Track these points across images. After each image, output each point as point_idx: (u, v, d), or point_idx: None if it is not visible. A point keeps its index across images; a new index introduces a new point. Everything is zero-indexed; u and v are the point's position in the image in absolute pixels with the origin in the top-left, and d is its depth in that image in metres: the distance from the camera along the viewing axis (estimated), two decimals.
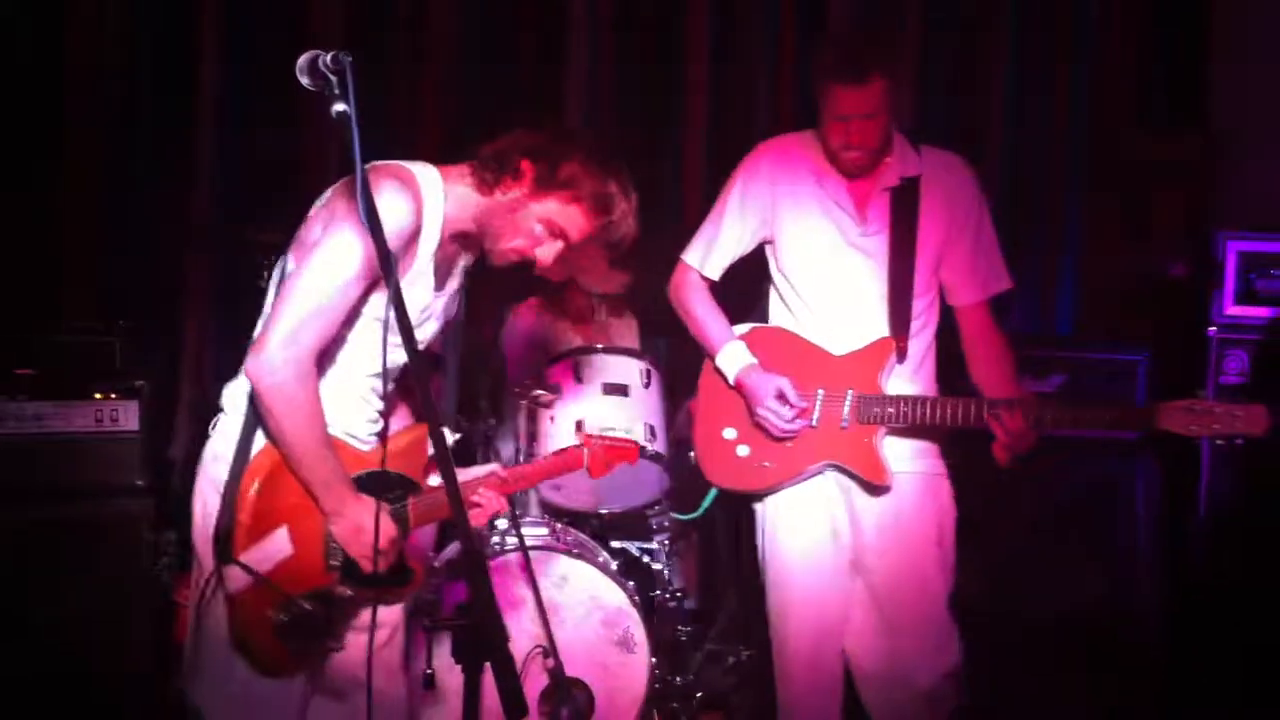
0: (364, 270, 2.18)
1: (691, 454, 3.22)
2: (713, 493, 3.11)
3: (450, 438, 2.47)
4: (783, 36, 4.99)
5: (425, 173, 2.28)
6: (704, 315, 3.09)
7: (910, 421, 2.87)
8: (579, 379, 3.72)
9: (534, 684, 3.30)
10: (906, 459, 2.95)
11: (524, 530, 3.40)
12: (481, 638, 1.92)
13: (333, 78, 1.85)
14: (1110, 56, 4.80)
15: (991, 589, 3.50)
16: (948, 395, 2.93)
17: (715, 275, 3.10)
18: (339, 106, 1.85)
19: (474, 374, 3.89)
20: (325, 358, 2.27)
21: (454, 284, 2.45)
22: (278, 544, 2.24)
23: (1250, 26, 4.55)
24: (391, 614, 2.48)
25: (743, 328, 3.09)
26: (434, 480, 2.49)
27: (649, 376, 3.78)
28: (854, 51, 2.78)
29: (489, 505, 2.49)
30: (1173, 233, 4.54)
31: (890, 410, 2.86)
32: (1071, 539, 3.81)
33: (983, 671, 3.07)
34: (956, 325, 3.03)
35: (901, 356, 2.92)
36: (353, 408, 2.34)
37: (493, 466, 2.60)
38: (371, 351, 2.29)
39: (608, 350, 3.86)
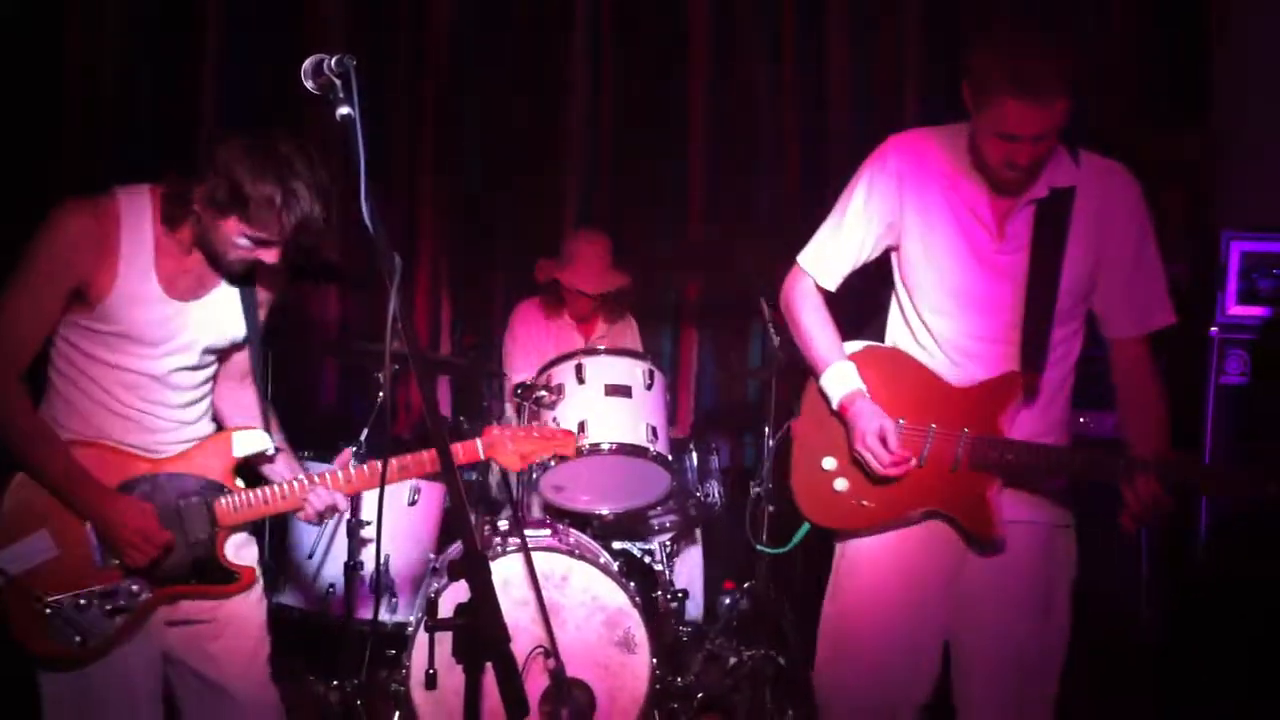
0: (42, 282, 2.31)
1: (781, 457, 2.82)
2: (805, 527, 2.72)
3: (268, 443, 2.56)
4: (783, 36, 4.99)
5: (133, 192, 2.39)
6: (813, 327, 2.68)
7: (1031, 470, 2.48)
8: (581, 380, 3.72)
9: (535, 684, 3.30)
10: (1024, 506, 2.55)
11: (526, 531, 3.41)
12: (483, 638, 1.93)
13: (337, 81, 1.86)
14: (1111, 55, 4.80)
15: None
16: (1079, 443, 2.59)
17: (832, 284, 2.69)
18: (343, 110, 1.86)
19: (476, 375, 3.90)
20: (71, 373, 2.39)
21: (218, 294, 2.47)
22: (38, 545, 2.35)
23: (1251, 25, 4.54)
24: (238, 616, 2.52)
25: (854, 346, 2.69)
26: (283, 480, 2.55)
27: (651, 378, 3.79)
28: (1040, 64, 2.36)
29: (317, 501, 2.53)
30: (1174, 232, 4.53)
31: (1009, 457, 2.46)
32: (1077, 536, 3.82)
33: None
34: (1110, 358, 2.63)
35: (1031, 395, 2.52)
36: (125, 420, 2.42)
37: (334, 465, 2.60)
38: (125, 363, 2.39)
39: (610, 352, 3.86)
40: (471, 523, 2.02)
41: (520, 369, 4.32)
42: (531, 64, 5.00)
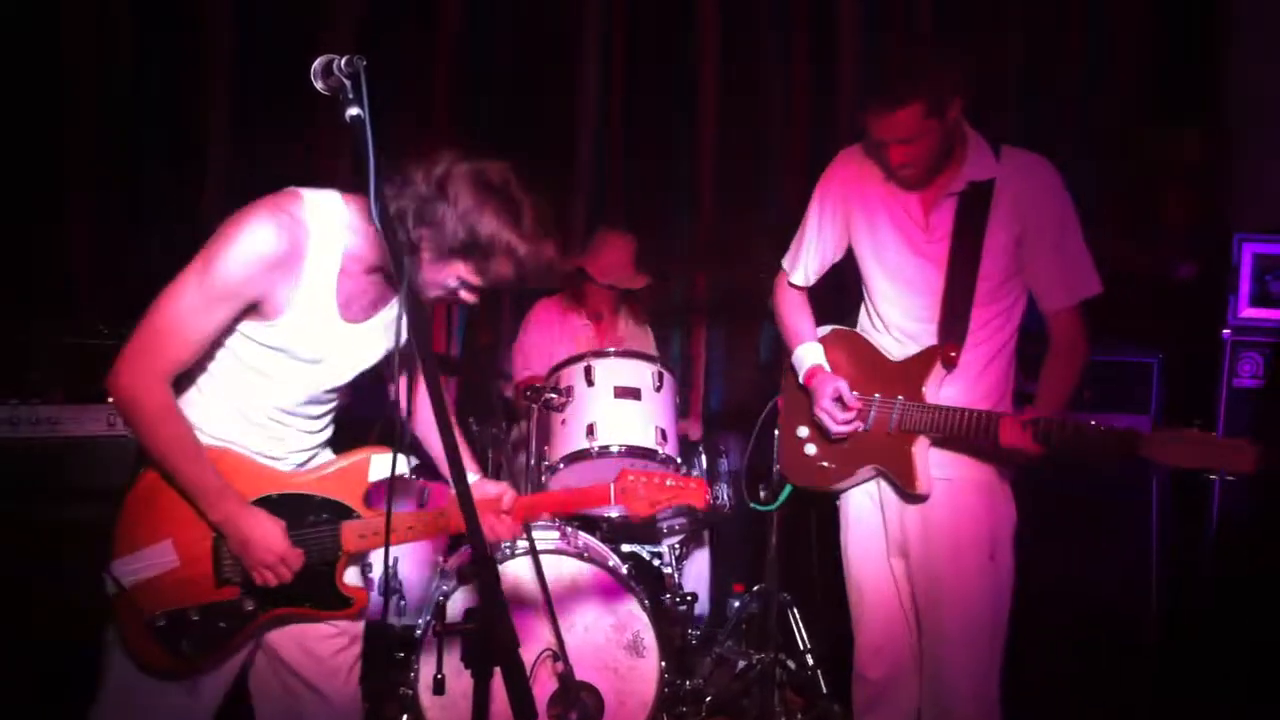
0: (223, 294, 2.16)
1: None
2: (788, 488, 3.24)
3: (404, 467, 2.41)
4: (795, 37, 4.97)
5: (323, 202, 2.23)
6: (788, 316, 3.16)
7: (943, 431, 2.82)
8: (590, 382, 3.71)
9: (543, 688, 3.29)
10: (957, 465, 2.90)
11: (534, 534, 3.39)
12: (492, 642, 1.92)
13: (347, 81, 1.84)
14: (1120, 53, 4.77)
15: None
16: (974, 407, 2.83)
17: (802, 281, 3.14)
18: (353, 110, 1.85)
19: (486, 377, 3.90)
20: (218, 375, 2.28)
21: (385, 315, 2.38)
22: (161, 555, 2.27)
23: (1265, 24, 4.51)
24: (348, 623, 2.47)
25: (825, 329, 3.15)
26: (414, 507, 2.48)
27: (661, 380, 3.77)
28: (885, 79, 2.71)
29: (502, 530, 2.48)
30: (1183, 232, 4.51)
31: (927, 419, 2.84)
32: (1084, 536, 3.80)
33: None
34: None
35: (949, 365, 2.86)
36: (259, 427, 2.33)
37: (502, 488, 2.53)
38: (278, 376, 2.30)
39: (620, 354, 3.84)
40: (481, 526, 2.00)
41: (525, 366, 4.31)
42: (541, 61, 4.98)
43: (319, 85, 1.88)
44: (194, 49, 4.67)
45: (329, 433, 2.49)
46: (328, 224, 2.22)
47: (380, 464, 2.40)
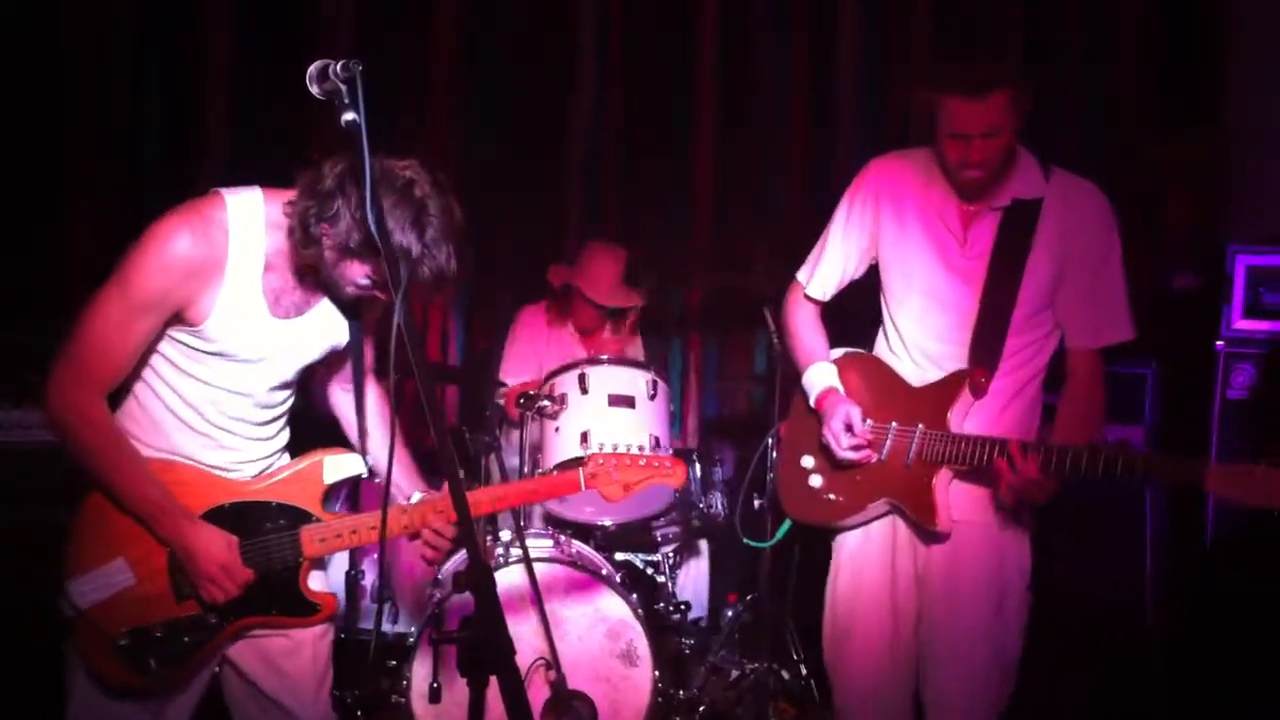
0: (145, 304, 2.14)
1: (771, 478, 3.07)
2: (787, 523, 2.95)
3: (362, 468, 2.41)
4: (794, 36, 4.97)
5: (244, 201, 2.21)
6: (801, 334, 2.92)
7: (972, 465, 2.59)
8: (584, 390, 3.70)
9: (537, 696, 3.27)
10: (976, 507, 2.68)
11: (528, 542, 3.38)
12: (487, 651, 1.90)
13: (342, 86, 1.83)
14: (1120, 53, 4.76)
15: None
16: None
17: (820, 295, 2.91)
18: (349, 115, 1.84)
19: (478, 384, 3.89)
20: (159, 387, 2.25)
21: (321, 310, 2.34)
22: (115, 575, 2.23)
23: (1265, 22, 4.50)
24: (311, 640, 2.41)
25: (838, 352, 2.91)
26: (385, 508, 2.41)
27: (655, 388, 3.77)
28: (973, 63, 2.55)
29: (435, 543, 2.38)
30: (1183, 239, 4.51)
31: (952, 450, 2.61)
32: (1080, 540, 3.80)
33: None
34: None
35: (979, 393, 2.65)
36: (205, 438, 2.30)
37: (433, 495, 2.41)
38: (219, 381, 2.27)
39: (614, 361, 3.84)
40: (476, 534, 1.98)
41: (513, 372, 4.30)
42: (538, 61, 4.98)
43: (314, 90, 1.86)
44: (194, 49, 4.67)
45: (283, 440, 2.45)
46: (249, 223, 2.20)
47: (334, 465, 2.38)
